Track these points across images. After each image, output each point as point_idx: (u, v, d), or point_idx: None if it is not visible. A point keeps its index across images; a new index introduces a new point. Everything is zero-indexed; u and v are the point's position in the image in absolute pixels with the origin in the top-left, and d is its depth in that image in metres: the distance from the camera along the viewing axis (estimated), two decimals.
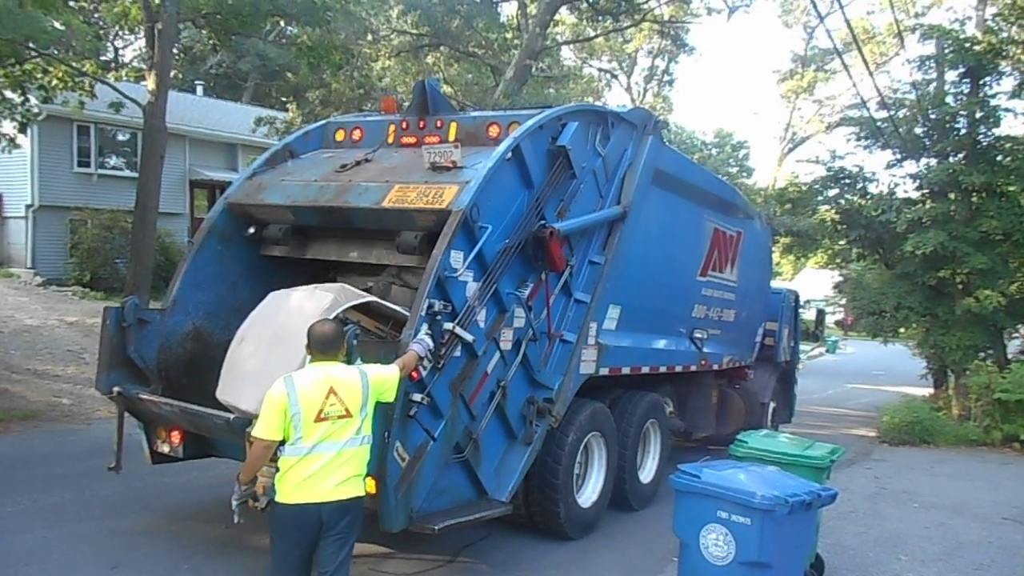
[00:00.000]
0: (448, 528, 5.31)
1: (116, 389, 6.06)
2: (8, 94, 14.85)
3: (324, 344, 4.18)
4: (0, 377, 12.07)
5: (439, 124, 6.93)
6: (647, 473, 8.20)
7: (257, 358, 5.44)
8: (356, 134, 7.41)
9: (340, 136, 7.50)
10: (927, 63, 15.72)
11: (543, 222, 6.15)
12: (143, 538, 6.31)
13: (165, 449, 6.36)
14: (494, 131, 6.65)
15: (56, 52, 15.85)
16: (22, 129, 15.92)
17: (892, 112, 15.51)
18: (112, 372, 6.11)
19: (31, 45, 14.44)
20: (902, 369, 22.35)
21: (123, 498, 7.23)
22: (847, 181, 17.05)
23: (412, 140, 6.97)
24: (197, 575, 5.62)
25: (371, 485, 5.01)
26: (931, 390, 16.85)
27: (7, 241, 20.76)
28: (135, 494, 7.34)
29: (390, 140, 7.13)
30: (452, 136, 6.79)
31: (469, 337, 5.42)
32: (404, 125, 7.12)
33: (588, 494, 7.09)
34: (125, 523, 6.62)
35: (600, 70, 42.78)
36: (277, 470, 4.05)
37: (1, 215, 20.79)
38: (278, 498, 4.03)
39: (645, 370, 8.08)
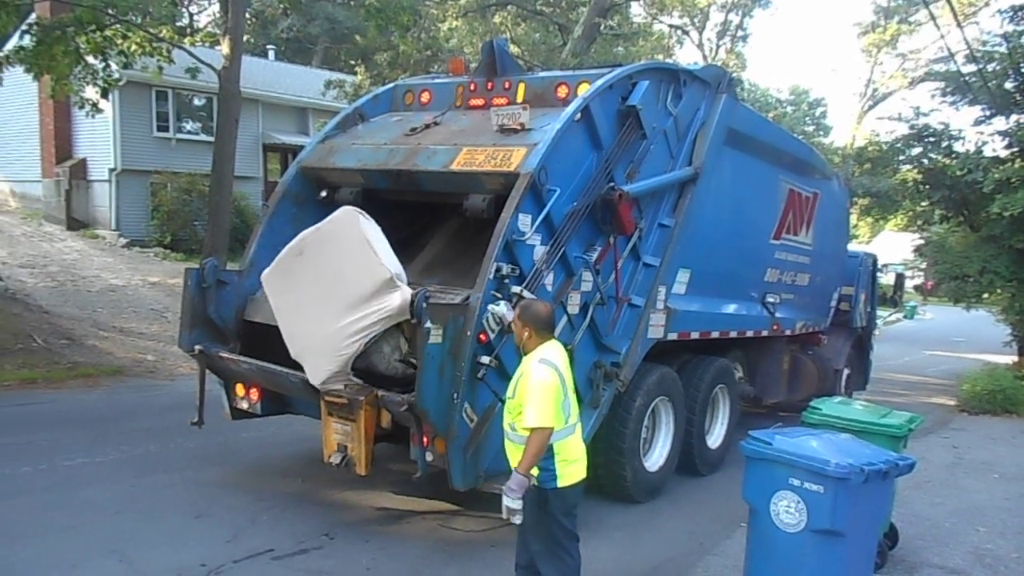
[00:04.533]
0: None
1: (197, 347, 6.30)
2: (90, 60, 15.31)
3: (551, 323, 4.35)
4: (88, 334, 12.67)
5: (507, 85, 6.88)
6: (715, 439, 8.14)
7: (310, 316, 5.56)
8: (424, 97, 7.42)
9: (409, 99, 7.53)
10: (1020, 13, 14.80)
11: (612, 184, 6.08)
12: (224, 489, 6.59)
13: (244, 406, 6.61)
14: (563, 92, 6.57)
15: (134, 18, 16.25)
16: (104, 94, 16.41)
17: (981, 66, 14.68)
18: (193, 331, 6.35)
19: (111, 12, 14.84)
20: (984, 336, 21.53)
21: (205, 451, 7.55)
22: (931, 139, 16.27)
23: (480, 102, 6.94)
24: (275, 525, 5.85)
25: (440, 445, 5.14)
26: (1015, 358, 16.16)
27: (92, 204, 21.61)
28: (216, 448, 7.66)
29: (458, 102, 7.12)
30: (520, 97, 6.73)
31: None
32: (472, 87, 7.09)
33: (655, 458, 7.09)
34: (207, 475, 6.92)
35: (671, 26, 41.62)
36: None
37: (86, 179, 21.63)
38: (565, 482, 4.09)
39: (715, 335, 7.97)
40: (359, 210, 5.57)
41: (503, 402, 5.25)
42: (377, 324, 5.32)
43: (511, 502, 3.89)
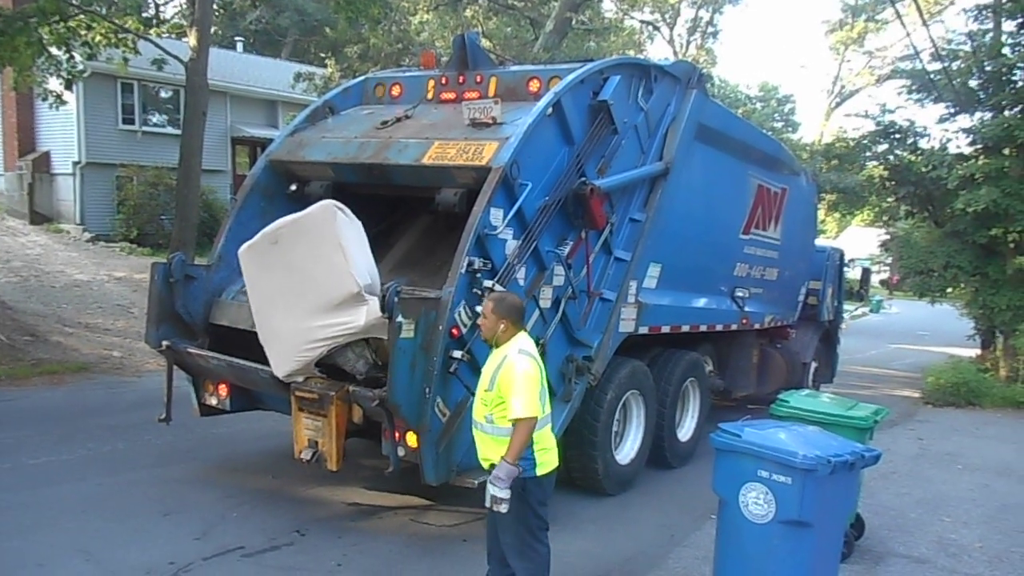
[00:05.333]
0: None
1: (165, 343, 6.22)
2: (54, 51, 15.01)
3: (523, 314, 4.38)
4: (53, 330, 12.45)
5: (479, 79, 6.86)
6: (686, 431, 8.21)
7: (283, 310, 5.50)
8: (395, 90, 7.38)
9: (380, 92, 7.48)
10: (984, 13, 15.07)
11: (583, 179, 6.09)
12: (193, 487, 6.51)
13: (213, 402, 6.54)
14: (534, 86, 6.57)
15: (99, 8, 15.95)
16: (68, 86, 16.11)
17: (946, 64, 14.93)
18: (161, 327, 6.26)
19: (75, 2, 14.56)
20: (948, 329, 21.90)
21: (173, 448, 7.46)
22: (897, 136, 16.51)
23: (452, 96, 6.92)
24: (245, 522, 5.80)
25: (412, 439, 5.13)
26: (978, 351, 16.50)
27: (56, 197, 21.19)
28: (185, 445, 7.57)
29: (429, 96, 7.09)
30: (492, 91, 6.71)
31: None
32: (443, 80, 7.06)
33: (626, 451, 7.13)
34: (176, 472, 6.84)
35: (642, 22, 41.76)
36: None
37: (50, 172, 21.20)
38: (544, 470, 4.11)
39: (685, 329, 8.03)
40: (339, 205, 5.43)
41: (475, 396, 5.26)
42: (341, 338, 5.30)
43: (499, 491, 3.88)
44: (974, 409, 12.78)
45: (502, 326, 4.16)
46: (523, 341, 4.19)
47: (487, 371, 4.21)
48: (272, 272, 5.52)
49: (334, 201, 5.49)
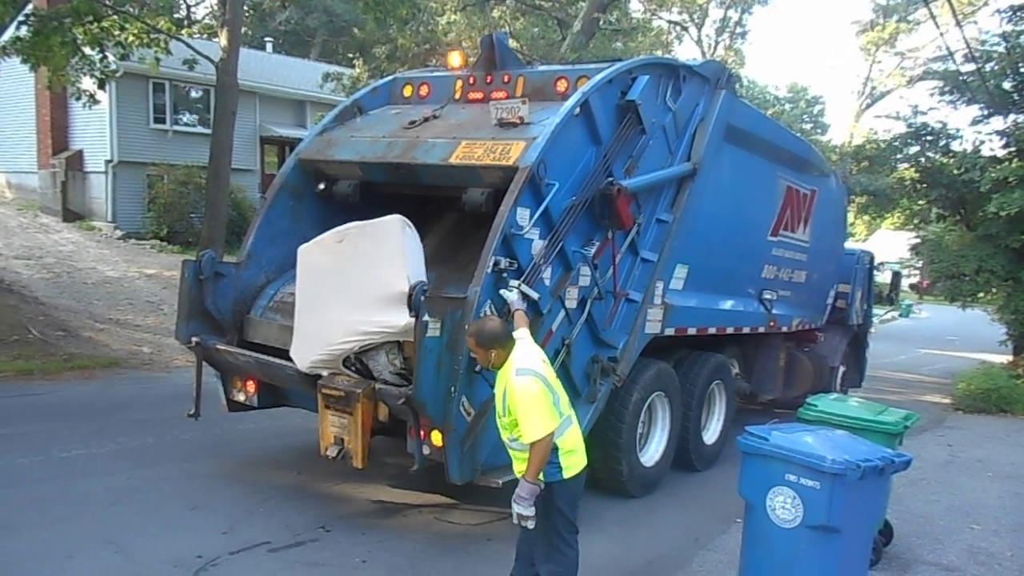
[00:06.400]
0: (512, 482, 5.38)
1: (195, 339, 6.29)
2: (87, 51, 15.26)
3: (506, 332, 4.26)
4: (84, 326, 12.64)
5: (506, 79, 6.86)
6: (711, 434, 8.15)
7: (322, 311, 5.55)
8: (423, 90, 7.40)
9: (408, 92, 7.51)
10: (1018, 14, 14.81)
11: (611, 179, 6.06)
12: (220, 481, 6.58)
13: (240, 398, 6.60)
14: (562, 86, 6.56)
15: (132, 9, 16.20)
16: (101, 86, 16.37)
17: (979, 65, 14.70)
18: (191, 323, 6.33)
19: (108, 2, 14.79)
20: (979, 335, 21.59)
21: (201, 443, 7.54)
22: (929, 138, 16.30)
23: (479, 95, 6.93)
24: (271, 518, 5.84)
25: (437, 438, 5.14)
26: (1010, 357, 16.22)
27: (88, 195, 21.54)
28: (212, 440, 7.65)
29: (457, 96, 7.10)
30: (519, 91, 6.71)
31: (534, 295, 5.42)
32: (471, 80, 7.07)
33: (651, 453, 7.09)
34: (203, 467, 6.91)
35: (670, 22, 41.53)
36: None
37: (83, 170, 21.56)
38: (570, 473, 4.09)
39: (712, 331, 7.98)
40: (407, 221, 5.55)
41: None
42: (377, 335, 5.35)
43: (523, 510, 3.91)
44: (1005, 416, 12.56)
45: (493, 354, 4.15)
46: (520, 357, 4.12)
47: (498, 397, 4.20)
48: (328, 266, 5.61)
49: (403, 217, 5.57)
